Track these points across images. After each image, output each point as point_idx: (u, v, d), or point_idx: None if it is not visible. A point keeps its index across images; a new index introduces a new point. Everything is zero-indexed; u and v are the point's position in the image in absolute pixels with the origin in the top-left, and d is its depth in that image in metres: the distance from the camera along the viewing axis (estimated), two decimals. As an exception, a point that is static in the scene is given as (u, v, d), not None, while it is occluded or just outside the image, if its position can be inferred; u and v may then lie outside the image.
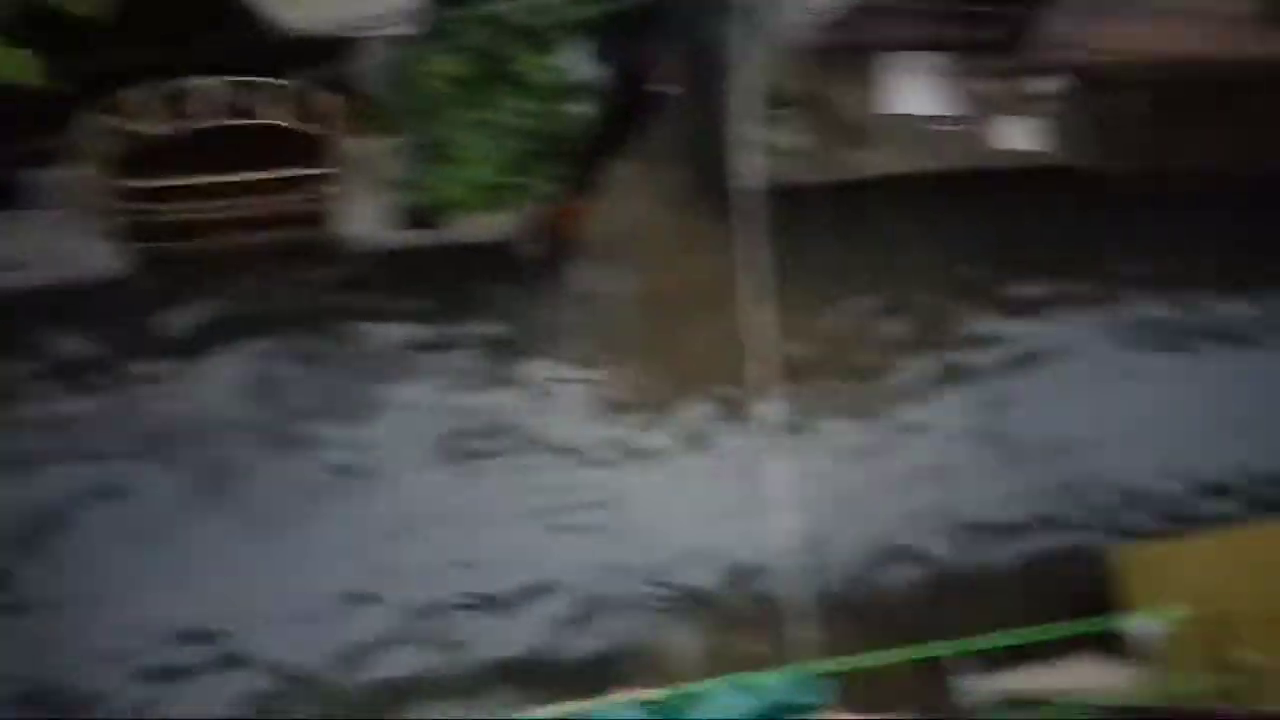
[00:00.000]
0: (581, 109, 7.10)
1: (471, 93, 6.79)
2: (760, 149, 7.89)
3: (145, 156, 6.72)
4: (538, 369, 8.16)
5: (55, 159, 6.90)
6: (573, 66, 7.06)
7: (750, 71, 7.83)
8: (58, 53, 5.46)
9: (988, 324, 8.95)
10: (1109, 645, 7.07)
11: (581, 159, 7.48)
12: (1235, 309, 9.52)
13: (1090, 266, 9.28)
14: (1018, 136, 8.90)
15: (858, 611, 7.78)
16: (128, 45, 5.94)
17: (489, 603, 7.55)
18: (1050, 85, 8.91)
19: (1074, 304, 9.19)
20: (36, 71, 5.37)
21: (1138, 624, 6.91)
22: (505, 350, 8.18)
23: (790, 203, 7.88)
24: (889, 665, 6.33)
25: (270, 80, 6.59)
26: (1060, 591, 7.82)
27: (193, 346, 7.75)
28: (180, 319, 7.79)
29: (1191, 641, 6.77)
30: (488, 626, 7.48)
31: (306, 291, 7.96)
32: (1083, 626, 6.87)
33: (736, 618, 7.76)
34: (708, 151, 8.22)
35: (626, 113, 7.73)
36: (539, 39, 6.83)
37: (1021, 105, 8.84)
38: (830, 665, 6.23)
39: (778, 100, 7.95)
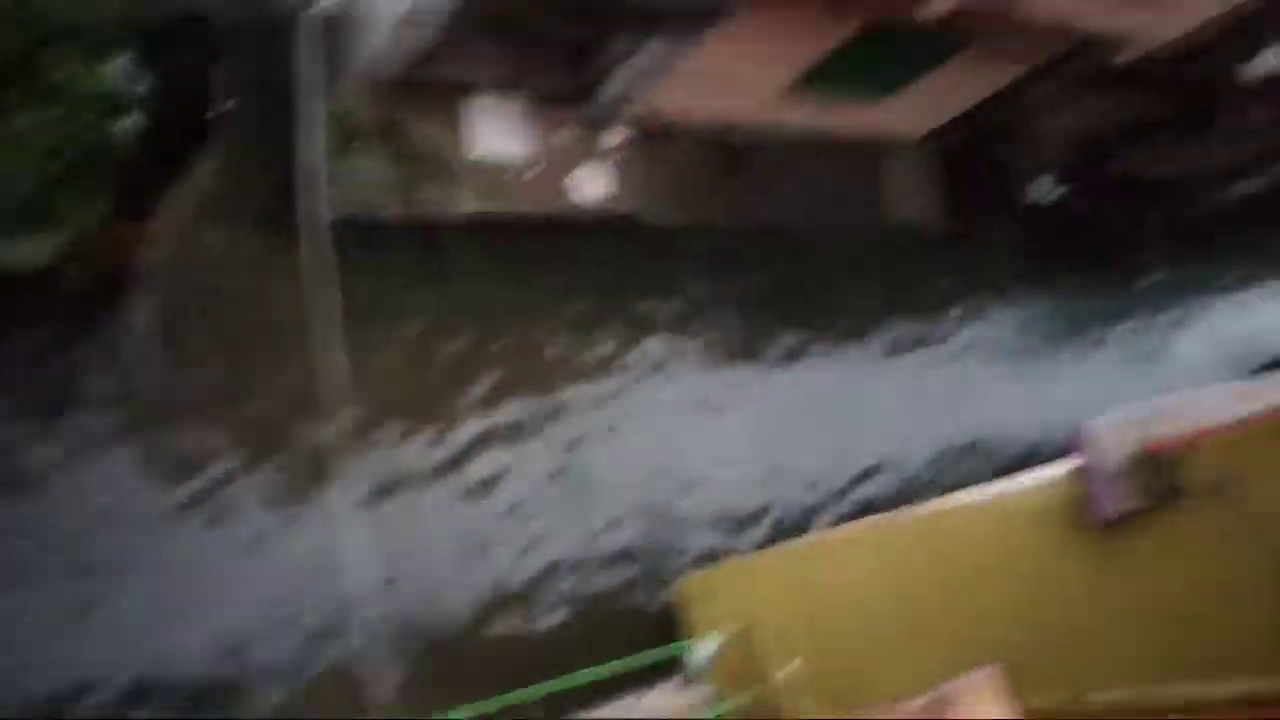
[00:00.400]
0: (126, 124, 6.22)
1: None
2: (332, 180, 7.46)
3: None
4: (83, 424, 6.94)
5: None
6: (115, 78, 6.19)
7: (324, 99, 7.38)
8: None
9: (569, 368, 9.09)
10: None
11: (129, 179, 6.56)
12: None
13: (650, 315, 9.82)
14: (591, 185, 9.23)
15: (441, 664, 7.49)
16: None
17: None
18: (620, 138, 9.39)
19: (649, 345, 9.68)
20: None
21: (694, 649, 7.29)
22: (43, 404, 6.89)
23: (366, 238, 7.54)
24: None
25: None
26: (637, 625, 8.14)
27: None
28: None
29: (740, 661, 7.22)
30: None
31: None
32: (651, 657, 7.12)
33: (314, 684, 7.14)
34: (277, 179, 7.57)
35: (180, 132, 6.94)
36: (73, 43, 5.90)
37: (592, 156, 9.20)
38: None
39: (353, 131, 7.57)
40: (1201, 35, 9.69)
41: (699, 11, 7.63)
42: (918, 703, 5.51)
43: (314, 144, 7.28)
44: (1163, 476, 5.51)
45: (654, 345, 9.73)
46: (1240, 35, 9.87)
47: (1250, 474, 5.24)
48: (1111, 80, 10.27)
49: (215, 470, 7.26)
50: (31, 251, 6.59)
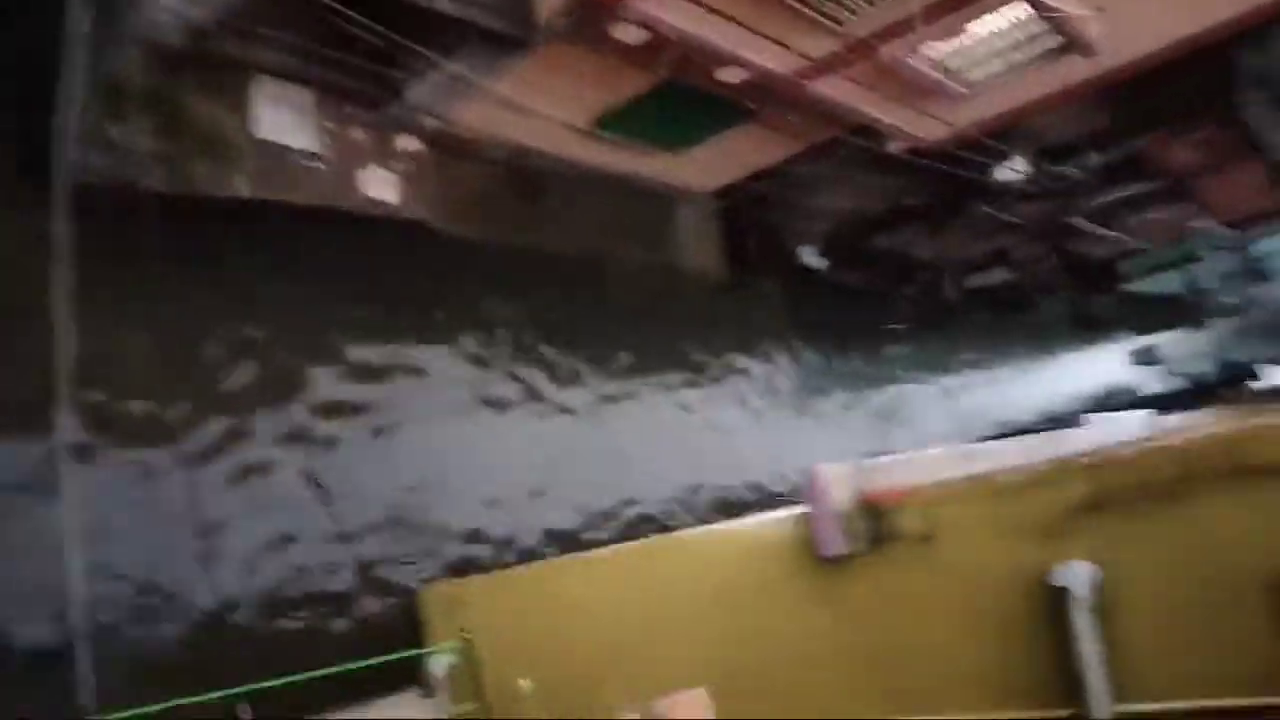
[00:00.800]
0: None
1: None
2: (90, 145, 7.02)
3: None
4: None
5: None
6: None
7: (93, 58, 6.93)
8: None
9: (333, 373, 8.85)
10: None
11: None
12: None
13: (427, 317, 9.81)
14: (378, 186, 9.10)
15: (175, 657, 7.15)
16: None
17: None
18: (413, 145, 9.34)
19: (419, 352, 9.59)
20: None
21: (434, 658, 7.35)
22: None
23: (124, 208, 7.10)
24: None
25: None
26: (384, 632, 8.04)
27: None
28: None
29: (476, 671, 7.36)
30: None
31: None
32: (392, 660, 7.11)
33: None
34: (32, 135, 7.05)
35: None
36: None
37: (385, 159, 9.10)
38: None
39: (123, 96, 7.15)
40: (962, 139, 10.83)
41: (496, 40, 7.77)
42: (631, 715, 5.77)
43: (72, 104, 6.81)
44: (876, 524, 6.05)
45: (431, 354, 9.69)
46: (994, 143, 11.10)
47: (948, 528, 5.84)
48: (879, 166, 11.24)
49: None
50: None
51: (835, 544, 6.13)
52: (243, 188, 8.05)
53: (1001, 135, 11.07)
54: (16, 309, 6.96)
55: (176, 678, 6.73)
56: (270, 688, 6.27)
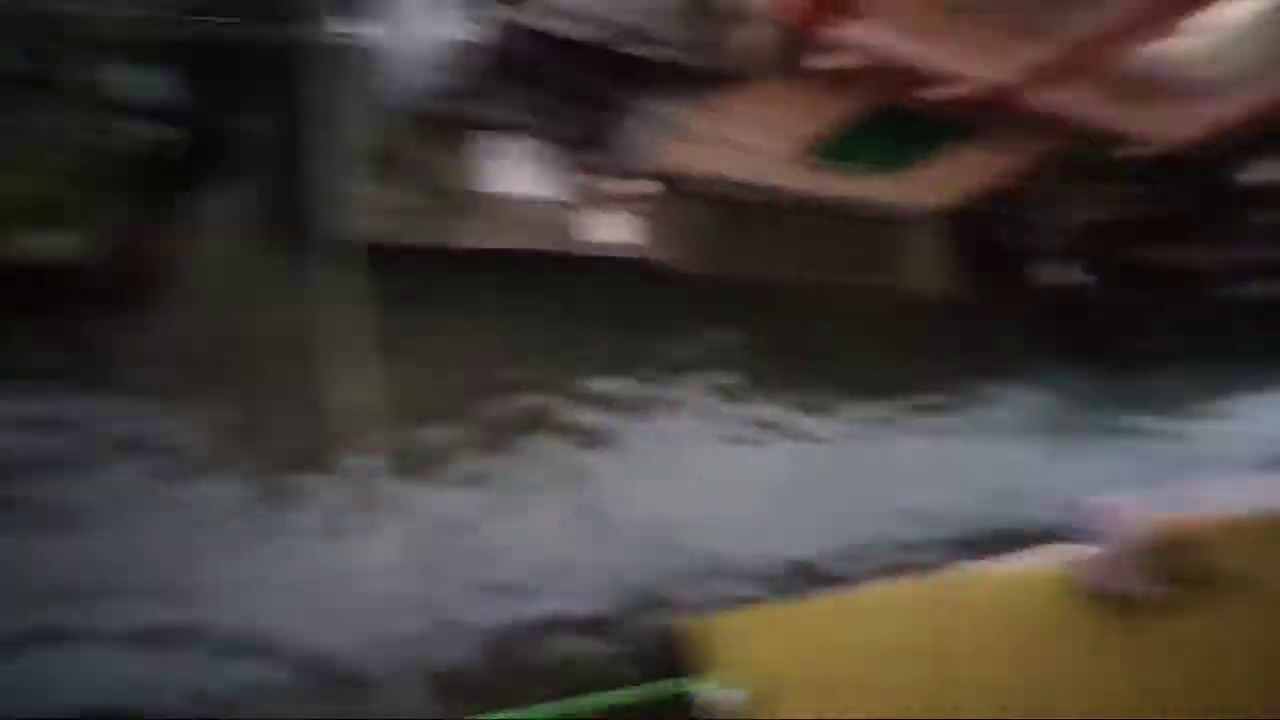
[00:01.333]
0: (154, 131, 6.74)
1: (13, 95, 6.22)
2: (353, 204, 7.91)
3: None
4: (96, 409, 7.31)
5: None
6: (146, 86, 6.69)
7: (350, 126, 7.89)
8: None
9: (576, 404, 9.34)
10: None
11: (156, 185, 7.08)
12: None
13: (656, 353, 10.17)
14: (607, 230, 9.66)
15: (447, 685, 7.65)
16: None
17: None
18: (637, 187, 9.85)
19: (651, 387, 9.95)
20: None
21: (710, 692, 7.29)
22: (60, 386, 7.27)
23: (384, 264, 7.88)
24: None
25: None
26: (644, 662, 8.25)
27: None
28: None
29: (757, 708, 7.18)
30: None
31: None
32: (659, 693, 7.24)
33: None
34: (300, 199, 8.05)
35: (209, 147, 7.45)
36: (107, 50, 6.42)
37: (611, 202, 9.65)
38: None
39: (375, 159, 8.08)
40: (1212, 138, 9.99)
41: (707, 79, 8.08)
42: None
43: (336, 168, 7.77)
44: (1178, 562, 5.46)
45: (672, 387, 10.06)
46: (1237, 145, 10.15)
47: (1267, 567, 5.19)
48: (1116, 174, 10.56)
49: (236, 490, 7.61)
50: (49, 246, 6.92)
51: (1127, 583, 5.62)
52: (483, 237, 8.79)
53: (1260, 131, 10.09)
54: (298, 359, 7.91)
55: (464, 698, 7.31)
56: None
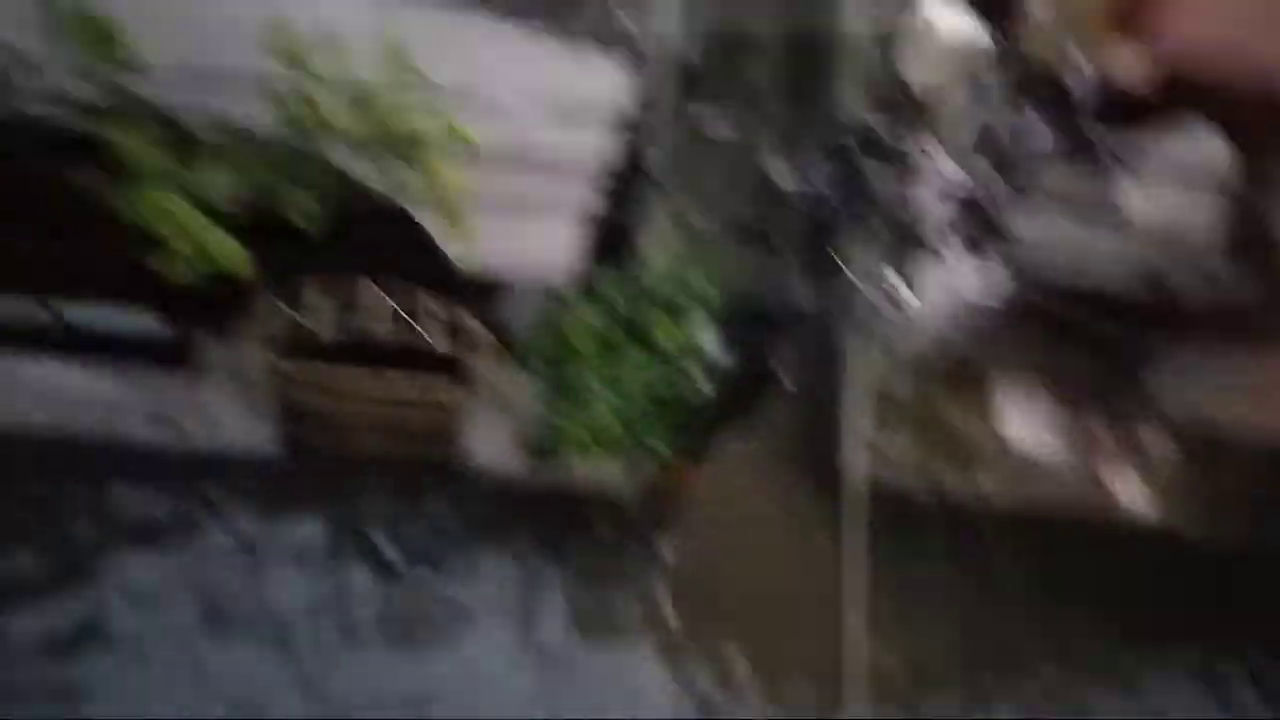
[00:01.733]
0: (704, 382, 7.53)
1: (608, 348, 7.33)
2: (868, 453, 8.10)
3: (303, 346, 7.41)
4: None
5: (229, 333, 7.60)
6: (701, 341, 7.58)
7: (865, 376, 8.23)
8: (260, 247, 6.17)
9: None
10: None
11: (697, 429, 7.81)
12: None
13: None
14: (1125, 488, 8.91)
15: None
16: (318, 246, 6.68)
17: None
18: (1161, 442, 9.04)
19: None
20: (246, 264, 6.05)
21: None
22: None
23: (896, 514, 7.96)
24: None
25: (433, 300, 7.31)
26: None
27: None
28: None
29: None
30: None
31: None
32: None
33: None
34: (816, 446, 8.47)
35: (744, 393, 8.13)
36: (676, 310, 7.43)
37: (1130, 457, 8.94)
38: None
39: (889, 408, 8.28)
40: None
41: (1242, 323, 7.37)
42: None
43: (856, 417, 8.04)
44: None
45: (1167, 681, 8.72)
46: None
47: None
48: None
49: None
50: (608, 476, 7.99)
51: None
52: (994, 490, 8.50)
53: None
54: (804, 594, 8.09)
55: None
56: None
